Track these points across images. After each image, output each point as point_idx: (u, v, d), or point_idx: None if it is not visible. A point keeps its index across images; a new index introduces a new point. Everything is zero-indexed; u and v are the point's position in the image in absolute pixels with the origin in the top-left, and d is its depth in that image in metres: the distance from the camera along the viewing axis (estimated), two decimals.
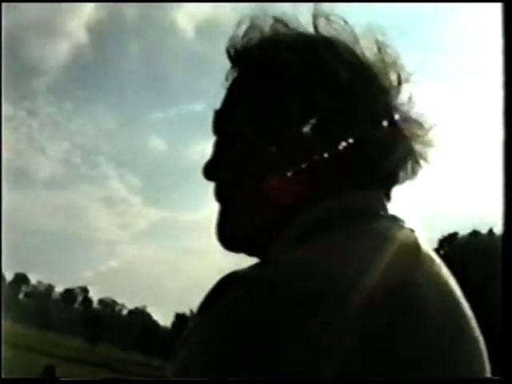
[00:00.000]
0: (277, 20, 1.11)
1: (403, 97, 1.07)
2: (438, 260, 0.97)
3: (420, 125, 1.06)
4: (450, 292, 0.94)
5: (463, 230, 53.28)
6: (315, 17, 1.09)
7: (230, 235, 1.09)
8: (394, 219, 1.01)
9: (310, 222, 0.98)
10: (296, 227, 0.99)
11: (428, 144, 1.07)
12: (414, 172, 1.08)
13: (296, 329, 0.77)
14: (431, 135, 1.07)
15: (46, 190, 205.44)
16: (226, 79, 1.14)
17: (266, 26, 1.11)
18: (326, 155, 1.01)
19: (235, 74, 1.13)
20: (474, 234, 50.88)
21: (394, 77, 1.08)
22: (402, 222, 1.01)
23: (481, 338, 0.94)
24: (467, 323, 0.94)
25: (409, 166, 1.08)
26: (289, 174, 1.01)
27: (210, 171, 1.11)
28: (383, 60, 1.08)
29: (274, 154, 1.03)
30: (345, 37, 1.08)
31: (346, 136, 1.02)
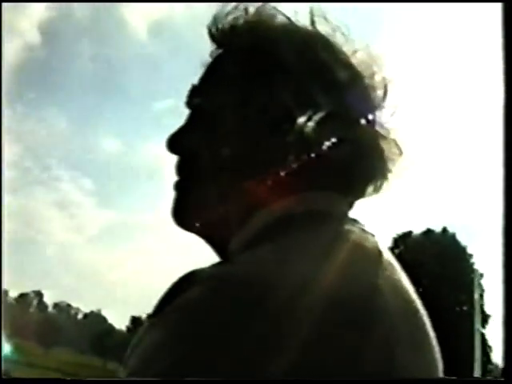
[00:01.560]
0: (263, 5, 1.10)
1: (388, 100, 1.08)
2: (397, 266, 0.97)
3: (395, 142, 1.08)
4: (410, 300, 0.94)
5: (417, 229, 53.63)
6: (312, 14, 1.10)
7: (186, 212, 1.08)
8: (355, 222, 1.01)
9: (270, 221, 0.98)
10: (255, 225, 0.99)
11: (396, 161, 1.08)
12: (380, 187, 1.10)
13: (249, 329, 0.76)
14: (403, 154, 1.09)
15: None
16: (210, 56, 1.13)
17: (252, 8, 1.11)
18: (302, 153, 1.01)
19: (217, 52, 1.13)
20: (428, 232, 51.24)
21: (379, 78, 1.09)
22: (363, 225, 1.01)
23: (437, 347, 0.95)
24: (427, 332, 0.94)
25: (378, 179, 1.09)
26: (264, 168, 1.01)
27: (175, 142, 1.09)
28: (368, 61, 1.08)
29: (251, 141, 1.02)
30: (337, 36, 1.09)
31: (330, 135, 1.02)
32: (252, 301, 0.78)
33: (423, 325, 0.94)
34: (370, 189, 1.09)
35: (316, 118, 1.00)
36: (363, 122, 1.05)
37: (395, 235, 52.12)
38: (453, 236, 47.91)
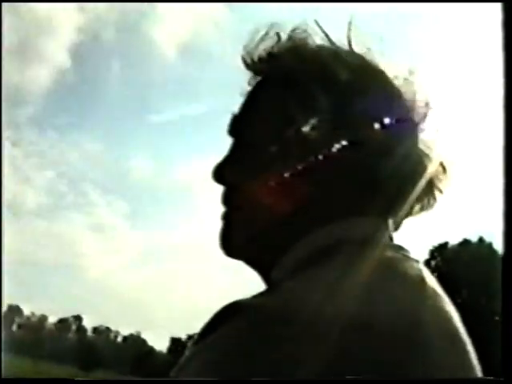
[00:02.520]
0: (293, 30, 1.11)
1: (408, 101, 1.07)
2: (441, 293, 0.96)
3: (438, 159, 1.08)
4: (454, 329, 0.93)
5: (454, 240, 53.20)
6: (349, 33, 1.10)
7: (231, 243, 1.08)
8: (399, 249, 1.00)
9: (310, 249, 0.97)
10: (296, 253, 0.99)
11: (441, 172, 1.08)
12: (428, 205, 1.09)
13: (295, 363, 0.76)
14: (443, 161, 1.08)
15: (34, 220, 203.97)
16: (248, 84, 1.14)
17: (283, 33, 1.11)
18: (323, 158, 1.00)
19: (256, 80, 1.14)
20: (464, 243, 50.84)
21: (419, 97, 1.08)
22: (406, 251, 1.00)
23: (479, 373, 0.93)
24: (470, 363, 0.92)
25: (424, 198, 1.08)
26: (286, 175, 1.01)
27: (218, 173, 1.10)
28: (377, 66, 1.08)
29: (277, 157, 1.02)
30: (371, 54, 1.09)
31: (346, 138, 1.01)
32: (302, 332, 0.77)
33: (467, 353, 0.92)
34: (417, 208, 1.09)
35: (355, 140, 1.00)
36: (406, 141, 1.05)
37: (431, 247, 51.84)
38: (489, 245, 47.42)
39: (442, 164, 1.08)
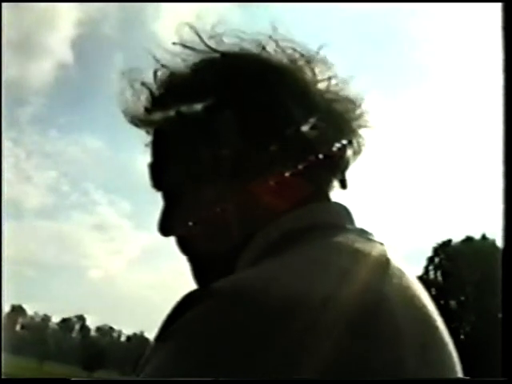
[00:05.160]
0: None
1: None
2: (408, 273, 0.96)
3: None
4: (421, 306, 0.93)
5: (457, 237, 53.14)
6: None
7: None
8: (362, 232, 1.01)
9: (275, 236, 0.98)
10: (260, 240, 0.99)
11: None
12: (359, 146, 1.11)
13: (260, 344, 0.75)
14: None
15: (37, 219, 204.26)
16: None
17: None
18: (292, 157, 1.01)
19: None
20: (468, 240, 50.77)
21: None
22: (370, 234, 1.01)
23: (454, 352, 0.94)
24: (439, 337, 0.93)
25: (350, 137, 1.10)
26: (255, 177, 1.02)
27: (163, 231, 1.11)
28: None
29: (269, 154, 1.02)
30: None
31: (338, 138, 1.04)
32: (265, 315, 0.77)
33: (434, 329, 0.93)
34: (350, 153, 1.10)
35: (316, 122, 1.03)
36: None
37: (435, 244, 51.79)
38: (493, 243, 47.34)
39: (350, 100, 1.09)
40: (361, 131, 1.10)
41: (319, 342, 0.76)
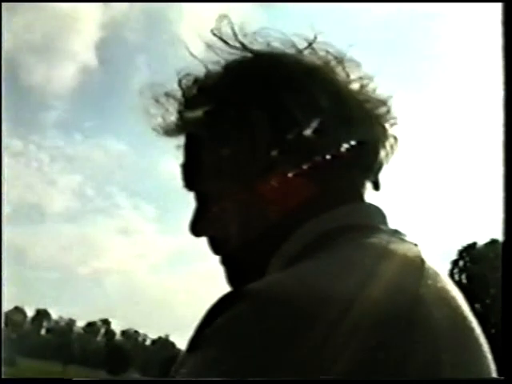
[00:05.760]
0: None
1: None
2: (443, 274, 0.96)
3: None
4: (457, 307, 0.93)
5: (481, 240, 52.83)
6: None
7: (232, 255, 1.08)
8: (396, 233, 1.01)
9: (310, 237, 0.98)
10: (296, 241, 0.99)
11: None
12: (392, 147, 1.11)
13: (296, 346, 0.75)
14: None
15: (61, 223, 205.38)
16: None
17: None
18: (327, 157, 1.01)
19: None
20: (492, 242, 50.45)
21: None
22: (404, 235, 1.00)
23: (489, 354, 0.93)
24: (475, 338, 0.92)
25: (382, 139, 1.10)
26: (290, 175, 1.01)
27: (194, 231, 1.12)
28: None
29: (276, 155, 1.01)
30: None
31: (348, 138, 1.03)
32: (302, 316, 0.77)
33: (470, 330, 0.92)
34: (383, 155, 1.10)
35: (335, 126, 1.02)
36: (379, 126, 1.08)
37: (460, 247, 51.56)
38: None
39: (380, 100, 1.10)
40: (392, 131, 1.09)
41: (355, 345, 0.76)
